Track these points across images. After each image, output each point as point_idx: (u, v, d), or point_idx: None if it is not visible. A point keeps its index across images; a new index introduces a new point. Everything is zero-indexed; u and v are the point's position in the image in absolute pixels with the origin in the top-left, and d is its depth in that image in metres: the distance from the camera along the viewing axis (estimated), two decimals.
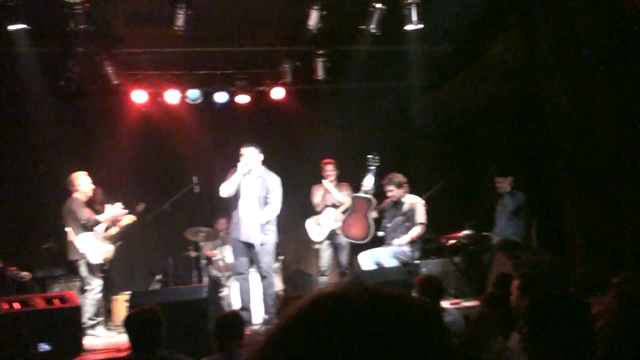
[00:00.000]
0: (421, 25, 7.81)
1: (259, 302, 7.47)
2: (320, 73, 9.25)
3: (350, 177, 8.69)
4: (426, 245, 8.66)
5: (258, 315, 7.47)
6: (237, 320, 4.38)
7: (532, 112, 8.26)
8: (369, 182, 7.98)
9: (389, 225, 8.12)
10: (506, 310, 3.68)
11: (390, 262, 7.66)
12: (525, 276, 3.72)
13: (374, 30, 7.96)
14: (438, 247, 8.91)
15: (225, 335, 4.20)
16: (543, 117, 7.94)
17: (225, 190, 7.28)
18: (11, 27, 7.12)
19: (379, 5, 7.79)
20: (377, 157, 8.04)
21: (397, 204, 8.12)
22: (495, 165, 8.89)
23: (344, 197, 8.40)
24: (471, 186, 9.89)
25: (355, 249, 8.36)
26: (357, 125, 10.40)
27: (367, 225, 8.02)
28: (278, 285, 8.75)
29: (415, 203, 8.05)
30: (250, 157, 7.32)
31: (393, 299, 0.87)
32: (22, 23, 7.10)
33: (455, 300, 7.73)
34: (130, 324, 3.96)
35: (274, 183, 7.36)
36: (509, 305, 3.70)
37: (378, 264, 7.73)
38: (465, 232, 8.54)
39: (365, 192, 8.04)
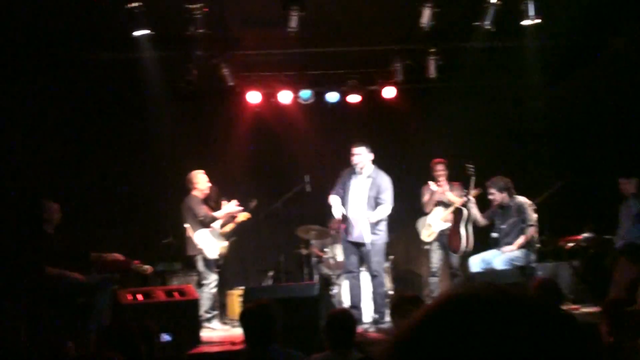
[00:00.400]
0: (539, 20, 7.52)
1: (368, 301, 7.47)
2: (432, 71, 9.11)
3: (461, 177, 8.51)
4: (543, 247, 8.34)
5: (368, 314, 7.47)
6: (348, 318, 4.40)
7: None
8: (470, 190, 7.84)
9: (503, 226, 7.88)
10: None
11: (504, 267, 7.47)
12: None
13: (488, 27, 7.75)
14: (555, 250, 8.55)
15: (336, 332, 4.23)
16: None
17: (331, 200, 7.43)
18: (136, 33, 7.49)
19: (494, 0, 7.57)
20: (473, 167, 7.86)
21: (504, 207, 7.88)
22: (619, 166, 8.43)
23: (454, 196, 8.24)
24: (592, 187, 9.41)
25: None
26: (470, 125, 10.15)
27: (459, 237, 7.87)
28: (388, 284, 8.72)
29: (523, 204, 7.78)
30: (361, 156, 7.33)
31: (529, 301, 0.83)
32: (146, 29, 7.45)
33: (574, 306, 7.40)
34: (245, 318, 4.06)
35: (385, 183, 7.34)
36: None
37: (489, 268, 7.55)
38: (586, 234, 8.18)
39: (464, 204, 7.90)
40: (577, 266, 8.18)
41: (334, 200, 7.40)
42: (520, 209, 7.74)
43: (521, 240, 7.61)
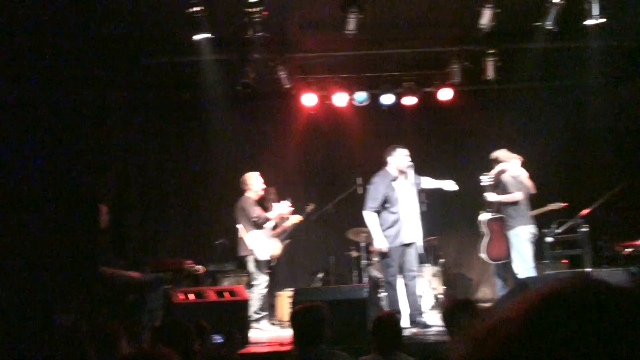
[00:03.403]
0: (603, 20, 7.26)
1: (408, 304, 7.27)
2: (490, 73, 8.93)
3: None
4: (599, 253, 8.06)
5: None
6: (395, 320, 4.34)
7: None
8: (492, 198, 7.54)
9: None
10: None
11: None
12: None
13: (550, 27, 7.53)
14: (612, 255, 8.23)
15: (382, 335, 4.17)
16: None
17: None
18: (196, 37, 7.57)
19: (556, 0, 7.36)
20: (491, 177, 7.60)
21: None
22: None
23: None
24: None
25: None
26: (529, 127, 9.94)
27: (507, 244, 7.56)
28: (439, 288, 8.56)
29: None
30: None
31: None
32: (206, 32, 7.52)
33: None
34: (295, 319, 4.04)
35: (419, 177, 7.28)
36: None
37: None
38: None
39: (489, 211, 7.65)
40: (636, 272, 7.83)
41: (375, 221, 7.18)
42: None
43: None
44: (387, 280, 7.21)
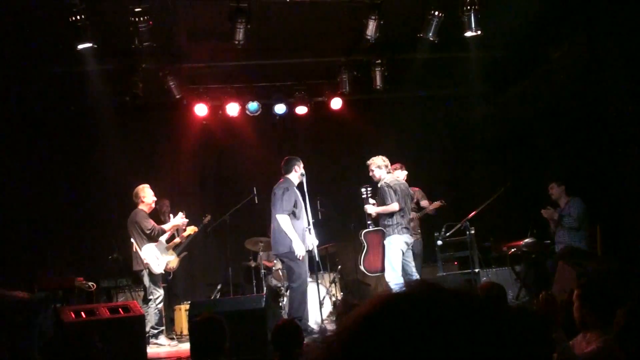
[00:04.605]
0: (480, 32, 7.69)
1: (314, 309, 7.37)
2: (378, 82, 9.22)
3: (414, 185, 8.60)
4: (487, 254, 8.47)
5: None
6: (294, 328, 4.38)
7: (596, 117, 8.04)
8: (370, 210, 7.77)
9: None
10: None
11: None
12: (584, 286, 3.58)
13: (432, 38, 7.89)
14: (499, 255, 8.70)
15: (283, 343, 4.21)
16: (608, 122, 7.71)
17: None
18: (80, 47, 7.36)
19: (437, 13, 7.73)
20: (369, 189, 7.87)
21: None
22: (558, 172, 8.68)
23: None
24: (534, 193, 9.67)
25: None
26: (416, 134, 10.34)
27: (383, 257, 7.71)
28: (337, 294, 8.72)
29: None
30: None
31: (472, 297, 0.82)
32: (90, 42, 7.32)
33: None
34: (194, 332, 4.02)
35: None
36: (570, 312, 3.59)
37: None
38: (527, 240, 8.30)
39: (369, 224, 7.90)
40: (520, 271, 8.32)
41: (291, 224, 7.15)
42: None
43: None
44: (296, 287, 7.19)
